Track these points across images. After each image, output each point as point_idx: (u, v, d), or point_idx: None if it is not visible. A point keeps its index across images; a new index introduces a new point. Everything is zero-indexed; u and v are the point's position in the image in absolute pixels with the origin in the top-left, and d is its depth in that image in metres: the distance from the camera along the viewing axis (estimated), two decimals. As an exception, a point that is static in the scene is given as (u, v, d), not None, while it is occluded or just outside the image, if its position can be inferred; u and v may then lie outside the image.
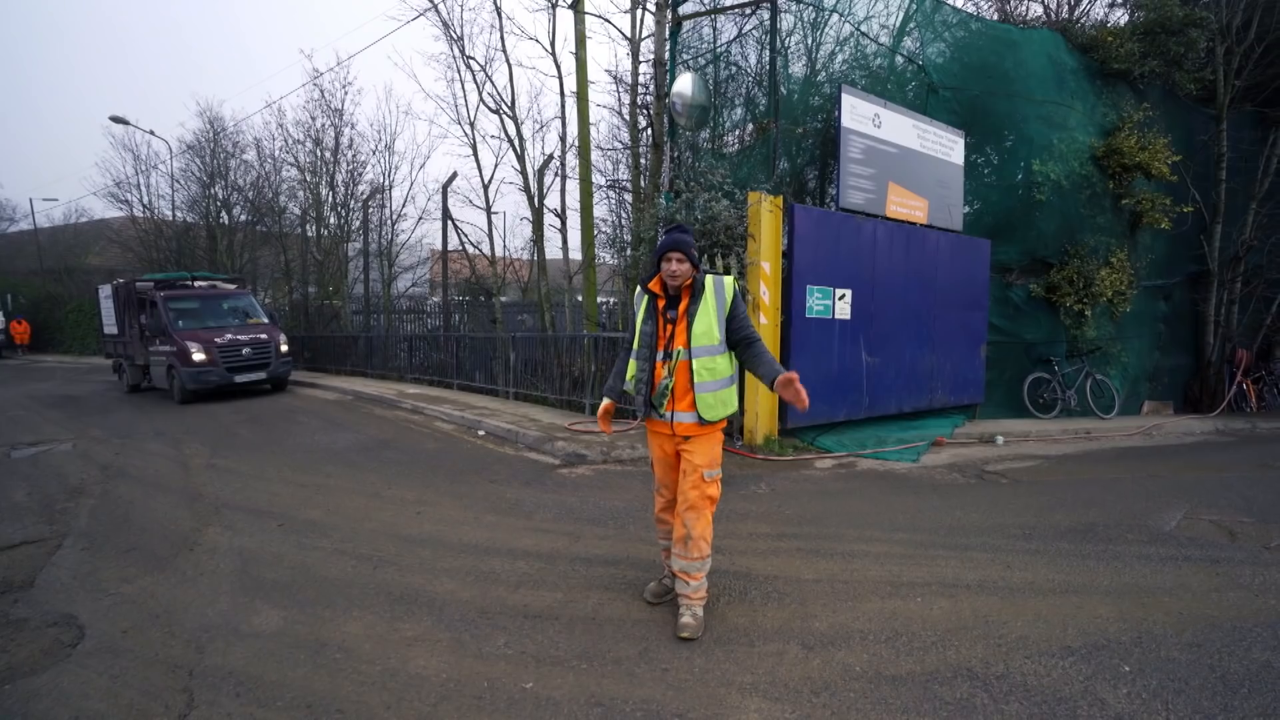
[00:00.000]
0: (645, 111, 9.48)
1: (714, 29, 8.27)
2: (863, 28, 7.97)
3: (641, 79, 9.83)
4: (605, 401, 3.20)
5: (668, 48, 7.88)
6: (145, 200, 21.15)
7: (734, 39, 8.17)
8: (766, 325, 6.26)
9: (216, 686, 2.66)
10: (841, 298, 6.77)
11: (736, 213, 6.37)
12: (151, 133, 20.44)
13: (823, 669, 2.68)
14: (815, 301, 6.56)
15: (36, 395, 12.67)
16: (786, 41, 7.60)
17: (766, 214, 6.20)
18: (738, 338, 2.92)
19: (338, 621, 3.17)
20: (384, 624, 3.13)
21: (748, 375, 6.16)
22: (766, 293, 6.25)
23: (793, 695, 2.51)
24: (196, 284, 12.91)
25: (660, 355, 2.92)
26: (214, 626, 3.16)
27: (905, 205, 7.41)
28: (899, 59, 8.37)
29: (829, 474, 5.69)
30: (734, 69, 8.22)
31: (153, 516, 4.91)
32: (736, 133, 7.97)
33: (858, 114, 6.80)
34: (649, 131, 9.11)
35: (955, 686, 2.53)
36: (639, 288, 3.09)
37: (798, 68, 8.14)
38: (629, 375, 3.09)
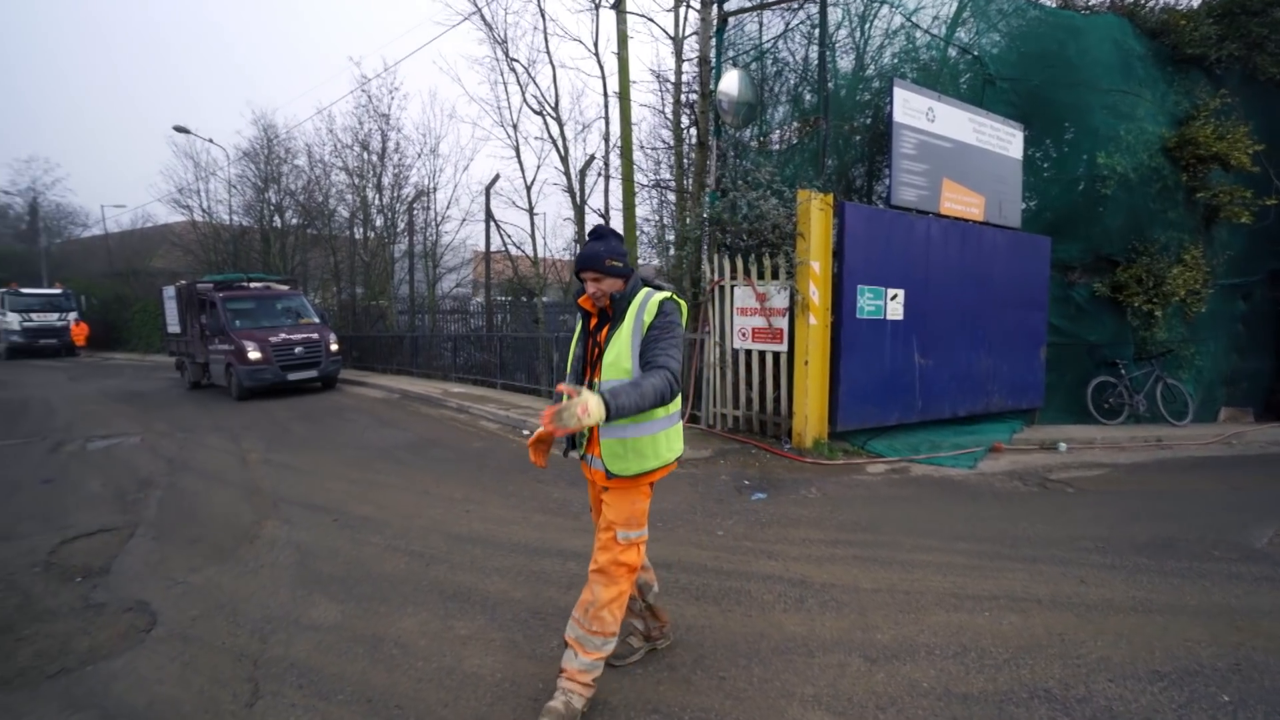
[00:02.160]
0: (689, 110, 9.41)
1: (760, 24, 8.14)
2: (914, 19, 7.74)
3: (685, 77, 9.76)
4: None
5: (713, 45, 7.79)
6: (205, 205, 22.12)
7: (780, 35, 8.04)
8: (816, 326, 6.13)
9: (280, 677, 2.71)
10: (893, 298, 6.58)
11: (785, 211, 6.25)
12: (210, 141, 21.33)
13: (888, 684, 2.57)
14: (866, 301, 6.38)
15: (107, 391, 13.34)
16: (834, 35, 7.44)
17: (816, 212, 6.06)
18: (644, 361, 2.27)
19: (393, 617, 3.20)
20: (438, 621, 3.15)
21: (798, 370, 6.13)
22: (816, 293, 6.11)
23: (857, 710, 2.42)
24: (252, 285, 13.39)
25: (588, 384, 2.40)
26: (275, 618, 3.23)
27: (960, 202, 7.16)
28: (952, 51, 8.10)
29: (882, 479, 5.53)
30: (780, 65, 8.09)
31: (215, 509, 5.08)
32: (783, 130, 7.83)
33: (910, 108, 6.60)
34: (693, 130, 9.03)
35: (1032, 709, 2.39)
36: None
37: (846, 62, 7.96)
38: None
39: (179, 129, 20.84)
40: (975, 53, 7.95)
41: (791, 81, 7.93)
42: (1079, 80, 7.79)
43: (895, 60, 7.87)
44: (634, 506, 2.39)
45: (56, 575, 3.83)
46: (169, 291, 14.89)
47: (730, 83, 6.85)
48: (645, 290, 2.38)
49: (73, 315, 23.56)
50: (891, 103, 6.50)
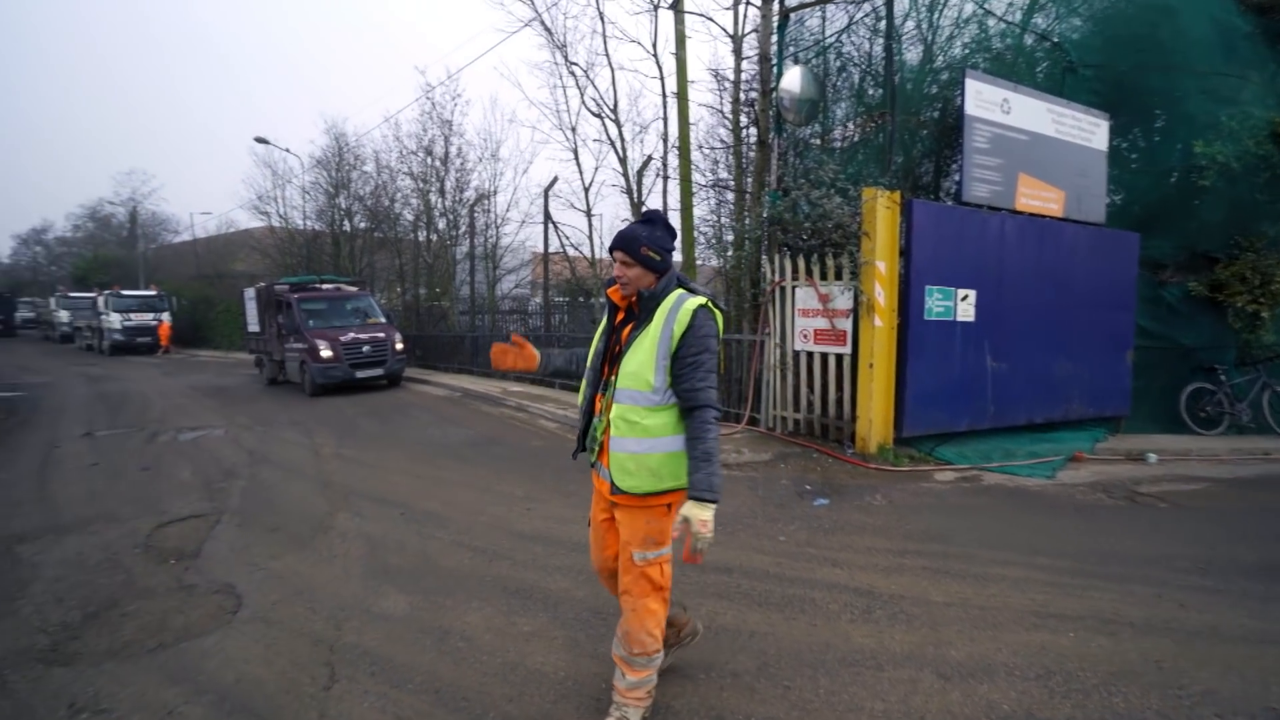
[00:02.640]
0: (749, 109, 9.30)
1: (823, 19, 7.96)
2: (986, 6, 7.39)
3: (744, 75, 9.65)
4: (531, 348, 2.52)
5: (774, 41, 7.66)
6: (281, 211, 23.34)
7: (844, 29, 7.84)
8: (881, 328, 5.93)
9: (354, 664, 2.81)
10: (964, 298, 6.29)
11: (850, 210, 6.08)
12: (287, 150, 22.56)
13: (964, 703, 2.45)
14: (935, 303, 6.13)
15: (195, 386, 14.26)
16: (901, 27, 7.19)
17: (882, 210, 5.87)
18: (677, 390, 2.03)
19: (458, 611, 3.28)
20: (501, 617, 3.20)
21: (862, 373, 5.95)
22: (882, 294, 5.91)
23: (932, 729, 2.31)
24: (324, 286, 14.04)
25: (602, 385, 2.21)
26: (348, 606, 3.36)
27: (1038, 197, 6.79)
28: (1028, 38, 7.69)
29: (951, 487, 5.30)
30: (844, 60, 7.88)
31: (292, 499, 5.33)
32: (846, 127, 7.62)
33: (983, 100, 6.30)
34: (752, 129, 8.91)
35: (1128, 738, 2.23)
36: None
37: (912, 55, 7.68)
38: (580, 396, 2.40)
39: (259, 140, 22.12)
40: (1055, 39, 7.52)
41: (855, 76, 7.72)
42: (1173, 64, 7.25)
43: (966, 51, 7.55)
44: (648, 526, 2.12)
45: (154, 557, 4.11)
46: (249, 293, 15.78)
47: (792, 80, 6.72)
48: (678, 293, 2.09)
49: (165, 315, 25.31)
50: (962, 95, 6.22)
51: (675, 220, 11.25)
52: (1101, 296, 7.08)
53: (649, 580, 2.16)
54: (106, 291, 25.54)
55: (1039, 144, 6.72)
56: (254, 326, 15.20)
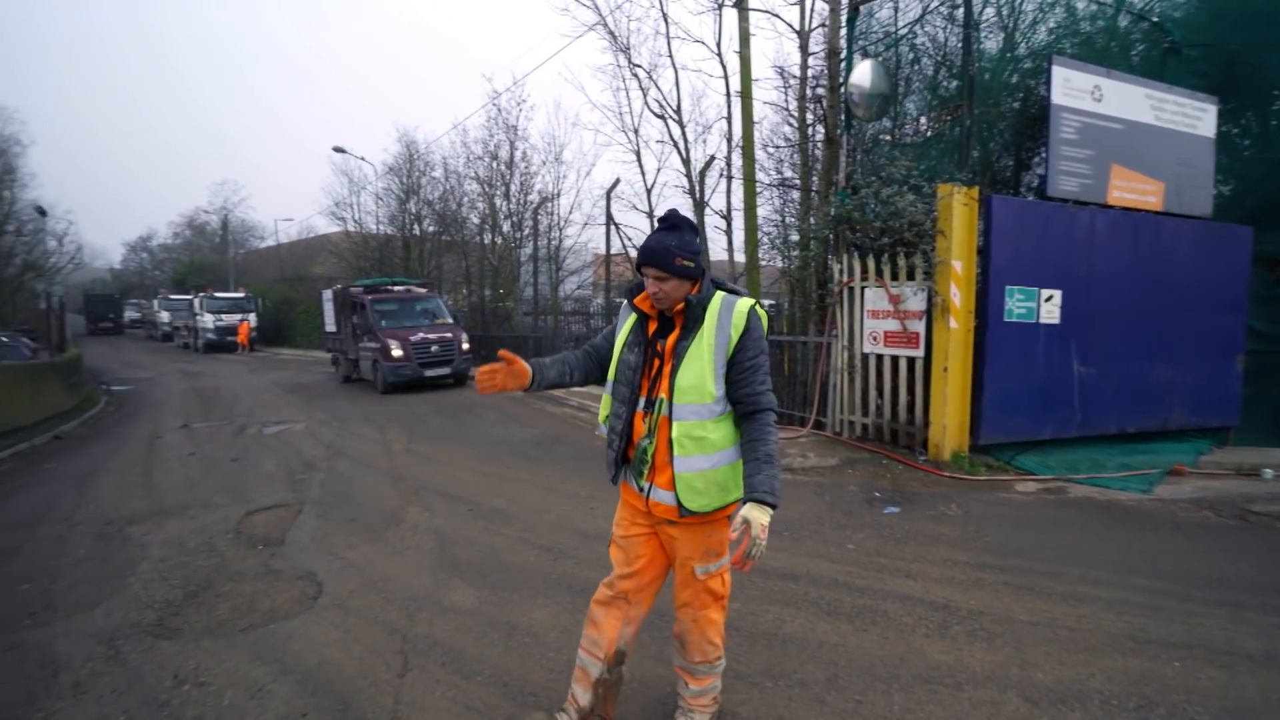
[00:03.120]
0: (816, 105, 9.09)
1: (895, 10, 7.68)
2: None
3: (811, 71, 9.44)
4: (520, 363, 2.09)
5: (843, 35, 7.46)
6: (356, 217, 24.53)
7: (918, 19, 7.54)
8: (957, 330, 5.66)
9: (426, 653, 2.90)
10: (1048, 299, 5.93)
11: (924, 207, 5.83)
12: (362, 159, 23.75)
13: (1054, 730, 2.30)
14: (1016, 304, 5.81)
15: (278, 382, 15.15)
16: (979, 15, 6.85)
17: (959, 207, 5.60)
18: (736, 396, 1.93)
19: (525, 607, 3.33)
20: (567, 615, 3.23)
21: (936, 377, 5.69)
22: (958, 294, 5.64)
23: (1019, 756, 2.18)
24: (395, 288, 14.62)
25: (642, 402, 2.01)
26: (420, 598, 3.47)
27: (1133, 190, 6.33)
28: (1123, 19, 7.18)
29: (1034, 499, 5.00)
30: (917, 52, 7.58)
31: (366, 492, 5.57)
32: (918, 121, 7.32)
33: (1072, 87, 5.91)
34: (819, 127, 8.71)
35: (1247, 781, 2.03)
36: (625, 301, 2.16)
37: (992, 43, 7.30)
38: (602, 414, 2.19)
39: (337, 149, 23.28)
40: (1153, 18, 6.99)
41: (929, 68, 7.41)
42: (1292, 41, 6.61)
43: (1052, 36, 7.11)
44: (709, 540, 2.05)
45: (244, 542, 4.37)
46: (326, 294, 16.63)
47: (862, 74, 6.51)
48: (721, 296, 1.97)
49: (247, 316, 27.01)
50: (1048, 83, 5.86)
51: (739, 220, 11.13)
52: (1207, 296, 6.53)
53: (710, 592, 2.11)
54: (201, 294, 27.50)
55: (1135, 133, 6.26)
56: (331, 326, 15.99)
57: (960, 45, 6.62)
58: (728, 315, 1.94)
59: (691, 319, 1.95)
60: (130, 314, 43.58)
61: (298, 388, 14.03)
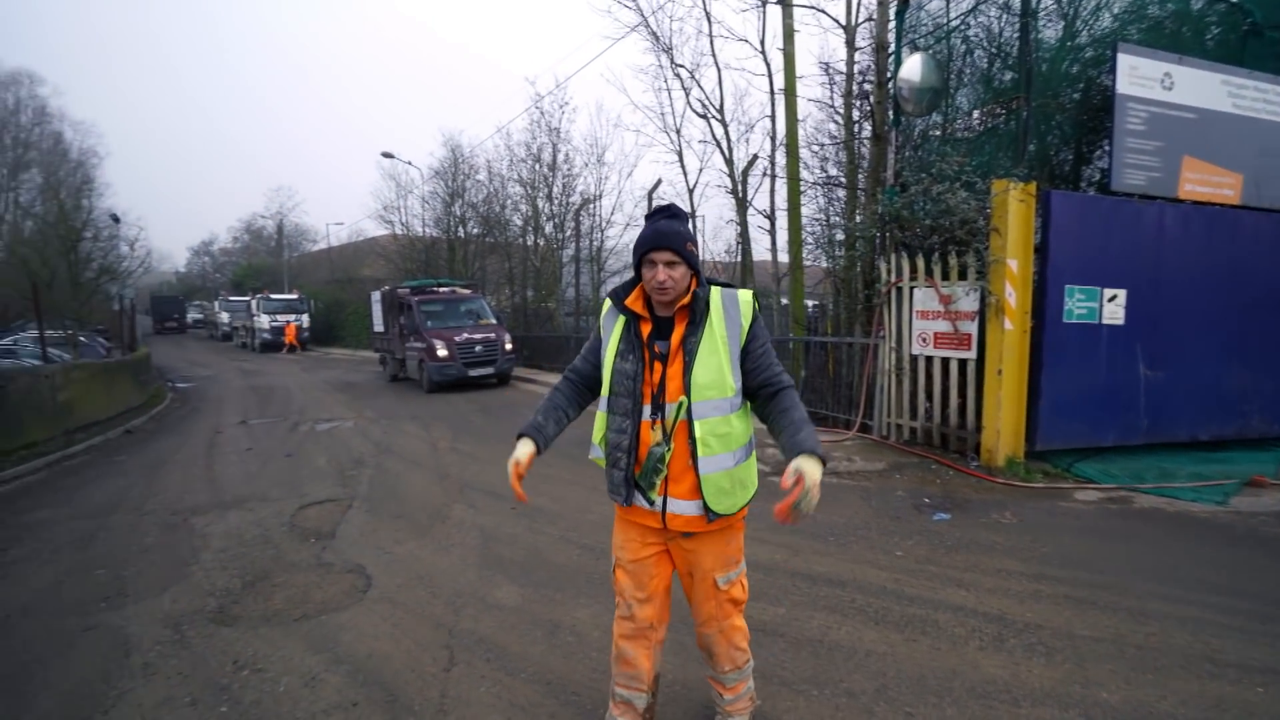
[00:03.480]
0: (863, 101, 8.89)
1: (946, 1, 7.44)
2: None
3: (857, 67, 9.24)
4: (522, 449, 1.96)
5: (891, 29, 7.28)
6: (403, 220, 25.20)
7: (970, 10, 7.28)
8: (1012, 331, 5.44)
9: (471, 649, 2.94)
10: (1111, 299, 5.65)
11: (977, 204, 5.63)
12: (409, 163, 24.35)
13: (1122, 753, 2.17)
14: (1076, 304, 5.55)
15: (329, 381, 15.68)
16: (1037, 3, 6.57)
17: (1015, 204, 5.38)
18: (758, 381, 1.90)
19: (568, 606, 3.34)
20: (609, 615, 3.19)
21: (989, 380, 5.48)
22: (1013, 294, 5.42)
23: (1084, 779, 2.07)
24: (440, 289, 14.95)
25: (648, 410, 1.89)
26: (465, 594, 3.53)
27: (1207, 183, 5.97)
28: (1195, 1, 6.78)
29: (1095, 508, 4.76)
30: (970, 44, 7.32)
31: (413, 489, 5.70)
32: (972, 115, 7.08)
33: (1139, 76, 5.62)
34: (866, 123, 8.52)
35: (1342, 818, 1.88)
36: (608, 304, 2.02)
37: (1050, 32, 7.00)
38: (597, 434, 2.04)
39: (385, 155, 24.01)
40: None
41: (983, 61, 7.15)
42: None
43: (1116, 23, 6.77)
44: (728, 546, 2.00)
45: (298, 535, 4.53)
46: (375, 296, 17.13)
47: (912, 68, 6.33)
48: (716, 289, 1.94)
49: (293, 317, 28.02)
50: (1113, 72, 5.58)
51: (782, 219, 10.97)
52: (1292, 295, 6.10)
53: (733, 601, 2.05)
54: (257, 295, 28.69)
55: (1210, 122, 5.91)
56: (379, 327, 16.47)
57: (1016, 35, 6.37)
58: (733, 304, 1.92)
59: (697, 313, 1.88)
60: (193, 315, 45.87)
61: (347, 386, 14.49)
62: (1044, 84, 6.29)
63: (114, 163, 67.84)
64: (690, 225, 1.93)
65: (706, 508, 1.87)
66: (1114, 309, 5.67)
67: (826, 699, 2.52)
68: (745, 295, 1.94)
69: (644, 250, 1.85)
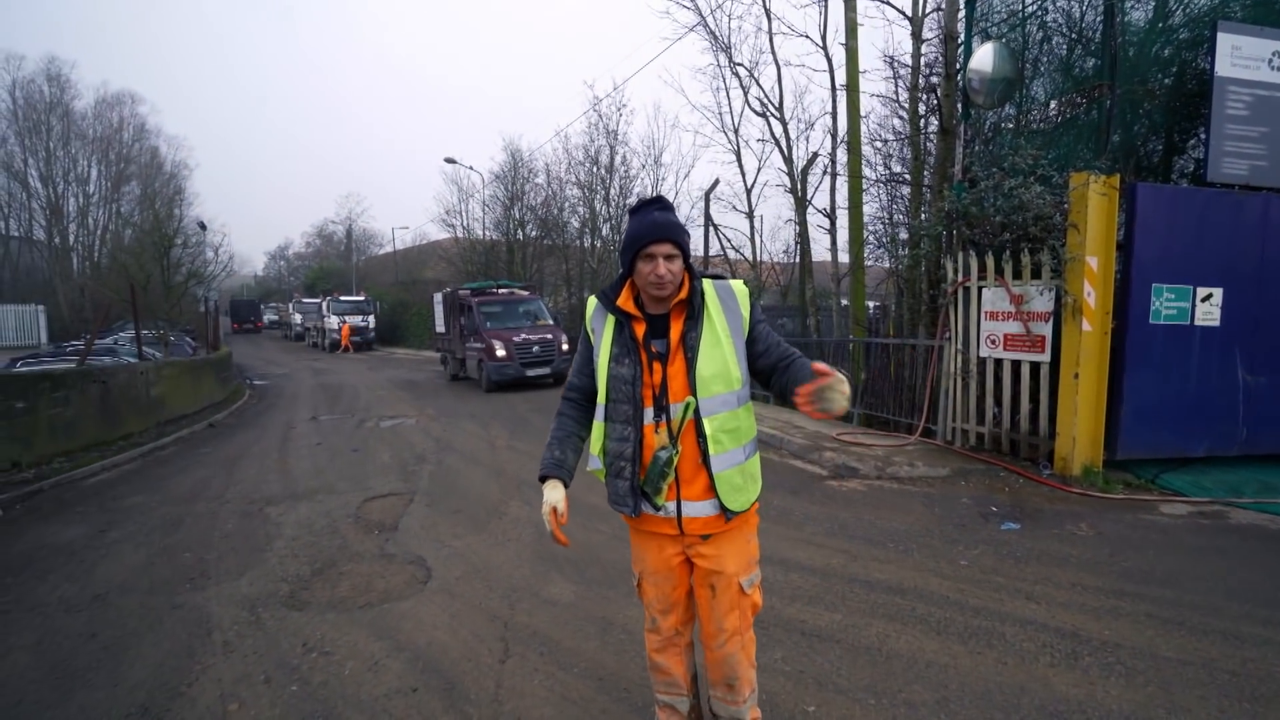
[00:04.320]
0: (929, 95, 8.57)
1: (1021, -14, 7.09)
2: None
3: (924, 59, 8.92)
4: (554, 494, 1.87)
5: (960, 18, 6.98)
6: (464, 223, 25.97)
7: (1047, -6, 6.91)
8: (1091, 333, 5.13)
9: (525, 642, 2.99)
10: (1205, 298, 5.24)
11: (1053, 199, 5.33)
12: (471, 168, 25.09)
13: (1214, 787, 2.01)
14: (1164, 304, 5.18)
15: (392, 380, 16.31)
16: (1124, -16, 6.17)
17: (1096, 198, 5.07)
18: (774, 359, 1.83)
19: (620, 604, 3.36)
20: (661, 614, 3.22)
21: (1065, 384, 5.17)
22: (1092, 294, 5.11)
23: (1170, 812, 1.92)
24: (499, 291, 15.31)
25: (650, 414, 1.81)
26: (520, 588, 3.59)
27: (1317, 172, 5.46)
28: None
29: (1184, 523, 4.43)
30: (1047, 30, 6.95)
31: (471, 485, 5.85)
32: (1049, 106, 6.71)
33: (1243, 56, 5.20)
34: (933, 117, 8.21)
35: None
36: (595, 303, 1.94)
37: (1139, 14, 6.56)
38: (595, 445, 1.93)
39: (448, 160, 24.78)
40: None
41: (1062, 48, 6.77)
42: None
43: (1216, 0, 6.29)
44: (749, 544, 1.94)
45: (363, 526, 4.72)
46: (437, 297, 17.69)
47: (983, 58, 6.05)
48: (708, 281, 1.87)
49: (371, 318, 29.24)
50: (1211, 54, 5.19)
51: (843, 218, 10.72)
52: None
53: (755, 606, 1.98)
54: (328, 297, 30.11)
55: (1321, 105, 5.41)
56: (440, 327, 17.00)
57: (1100, 19, 6.01)
58: (729, 295, 1.85)
59: (695, 307, 1.80)
60: (269, 316, 48.65)
61: (410, 385, 15.03)
62: (1131, 70, 5.90)
63: (200, 174, 72.83)
64: (676, 216, 1.85)
65: (723, 507, 1.81)
66: (1208, 309, 5.27)
67: (884, 708, 2.44)
68: (739, 285, 1.89)
69: (642, 243, 1.74)
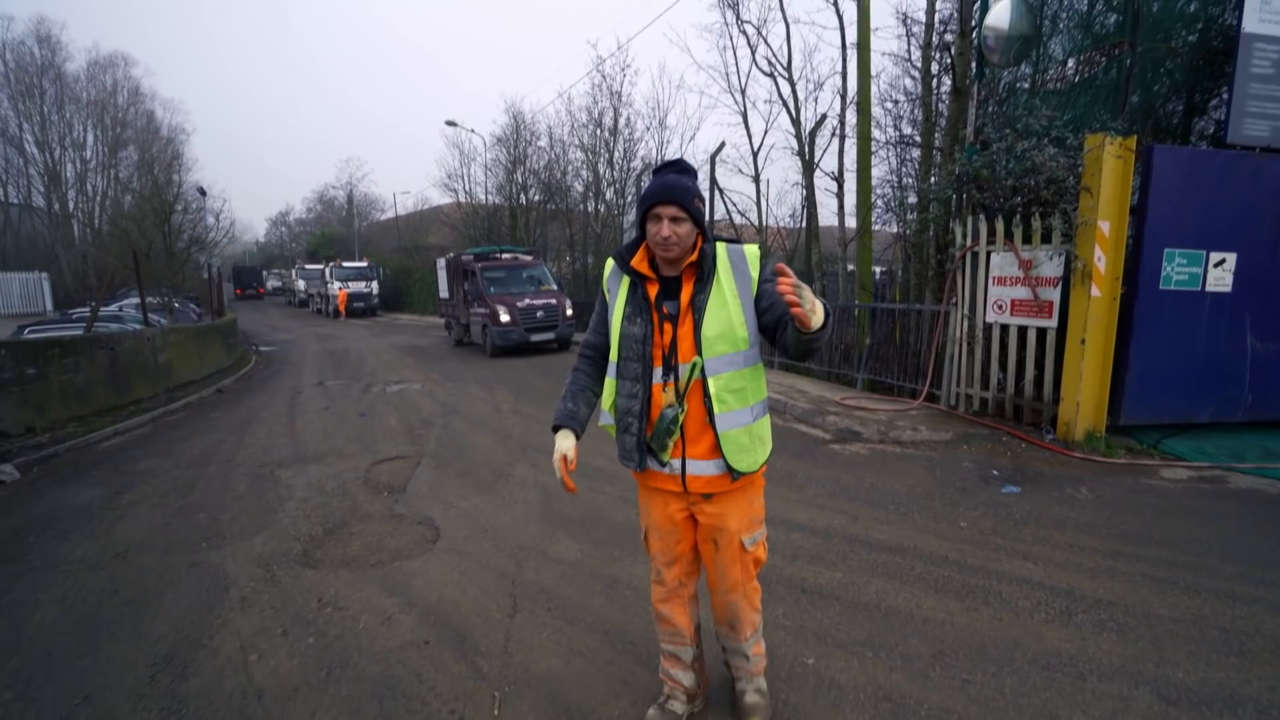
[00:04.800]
0: (943, 54, 8.34)
1: (1040, -61, 6.82)
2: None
3: (939, 15, 8.66)
4: (565, 442, 1.96)
5: (976, -28, 6.74)
6: (467, 188, 25.66)
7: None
8: (1099, 299, 5.10)
9: (533, 598, 3.08)
10: (1218, 264, 5.19)
11: (1066, 161, 5.23)
12: (472, 131, 24.70)
13: (1199, 735, 2.08)
14: (1175, 269, 5.13)
15: (397, 345, 16.36)
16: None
17: (1111, 160, 4.97)
18: (774, 318, 1.82)
19: (625, 562, 3.44)
20: (665, 572, 3.30)
21: (1071, 349, 5.17)
22: (1103, 259, 5.06)
23: (1154, 757, 2.00)
24: (503, 256, 15.22)
25: (659, 373, 1.86)
26: (527, 547, 3.68)
27: (1338, 133, 5.34)
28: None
29: (1184, 487, 4.47)
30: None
31: (478, 448, 5.93)
32: (1067, 65, 6.53)
33: (1273, 11, 5.02)
34: (945, 77, 8.01)
35: None
36: (611, 264, 1.99)
37: (1163, -33, 6.33)
38: (606, 400, 2.01)
39: (449, 123, 24.36)
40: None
41: (1082, 3, 6.55)
42: None
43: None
44: (753, 504, 1.99)
45: (372, 488, 4.81)
46: (440, 263, 17.61)
47: (1000, 13, 5.87)
48: (722, 245, 1.90)
49: (375, 284, 29.17)
50: (1239, 7, 5.02)
51: (851, 182, 10.55)
52: None
53: (757, 562, 2.05)
54: (330, 264, 30.01)
55: (1348, 64, 5.25)
56: (444, 293, 16.96)
57: (1121, -28, 5.80)
58: (740, 258, 1.88)
59: (705, 271, 1.84)
60: (273, 283, 48.56)
61: (415, 350, 15.08)
62: (1154, 26, 5.72)
63: (198, 138, 71.95)
64: (696, 181, 1.86)
65: (729, 467, 1.85)
66: (1220, 274, 5.22)
67: (881, 661, 2.51)
68: (752, 249, 1.91)
69: (649, 204, 1.79)
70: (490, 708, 2.30)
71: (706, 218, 1.91)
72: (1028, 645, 2.60)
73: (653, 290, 1.87)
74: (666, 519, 2.01)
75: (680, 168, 1.85)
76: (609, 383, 1.99)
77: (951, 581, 3.14)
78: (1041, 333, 5.51)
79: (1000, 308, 5.74)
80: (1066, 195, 5.25)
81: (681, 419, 1.83)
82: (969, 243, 5.91)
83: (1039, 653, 2.55)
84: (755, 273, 1.86)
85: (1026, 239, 5.52)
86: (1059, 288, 5.33)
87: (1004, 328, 5.78)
